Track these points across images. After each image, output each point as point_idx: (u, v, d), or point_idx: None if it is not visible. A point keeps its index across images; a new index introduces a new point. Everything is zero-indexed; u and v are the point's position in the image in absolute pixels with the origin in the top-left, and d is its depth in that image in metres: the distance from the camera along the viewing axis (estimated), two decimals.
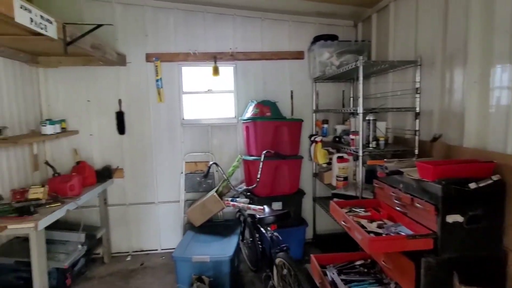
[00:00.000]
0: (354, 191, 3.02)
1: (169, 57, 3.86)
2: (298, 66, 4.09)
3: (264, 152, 3.33)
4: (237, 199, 3.27)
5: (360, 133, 2.65)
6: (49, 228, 2.83)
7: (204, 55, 3.90)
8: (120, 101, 3.84)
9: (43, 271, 2.52)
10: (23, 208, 2.51)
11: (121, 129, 3.86)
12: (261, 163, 3.30)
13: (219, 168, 3.39)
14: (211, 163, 3.39)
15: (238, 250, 3.24)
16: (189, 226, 3.65)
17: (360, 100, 2.65)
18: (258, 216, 2.76)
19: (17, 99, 3.28)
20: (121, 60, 3.68)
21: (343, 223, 2.18)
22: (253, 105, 3.73)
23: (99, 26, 2.68)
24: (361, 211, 2.36)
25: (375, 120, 2.77)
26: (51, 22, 2.13)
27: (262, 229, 2.92)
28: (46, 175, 3.67)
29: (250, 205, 3.03)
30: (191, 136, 4.02)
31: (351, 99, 4.13)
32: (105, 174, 3.70)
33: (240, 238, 3.43)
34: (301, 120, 3.80)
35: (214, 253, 2.93)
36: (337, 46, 3.61)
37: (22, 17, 1.78)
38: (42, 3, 2.98)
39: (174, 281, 3.25)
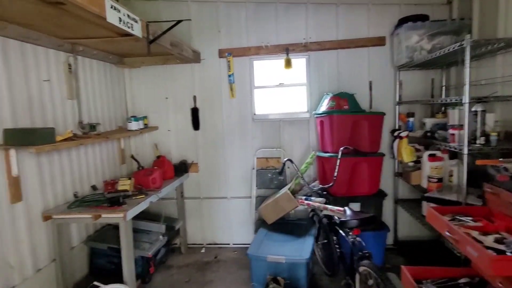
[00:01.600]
0: (452, 195, 2.58)
1: (241, 52, 3.82)
2: (378, 53, 3.69)
3: (341, 148, 3.07)
4: (311, 197, 3.09)
5: (466, 127, 2.23)
6: (134, 217, 3.03)
7: (276, 48, 3.77)
8: (194, 98, 3.95)
9: (131, 258, 2.69)
10: (114, 198, 2.70)
11: (195, 124, 3.97)
12: (338, 160, 3.05)
13: (293, 165, 3.24)
14: (285, 159, 3.26)
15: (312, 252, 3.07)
16: (260, 223, 3.59)
17: (466, 88, 2.22)
18: (338, 218, 2.54)
19: (107, 98, 3.58)
20: (196, 57, 3.76)
21: (448, 233, 1.84)
22: (329, 98, 3.48)
23: (178, 22, 2.74)
24: (468, 220, 1.98)
25: (484, 112, 2.30)
26: (136, 21, 2.20)
27: (341, 231, 2.69)
28: (131, 168, 3.97)
29: (327, 205, 2.81)
30: (262, 131, 3.94)
31: (443, 88, 3.59)
32: (182, 168, 3.85)
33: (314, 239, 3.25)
34: (383, 114, 3.42)
35: (289, 254, 2.80)
36: (428, 27, 3.14)
37: (112, 17, 1.85)
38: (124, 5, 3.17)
39: (247, 277, 3.22)
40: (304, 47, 3.74)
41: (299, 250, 2.89)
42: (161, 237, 3.23)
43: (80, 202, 2.73)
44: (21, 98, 2.41)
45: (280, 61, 3.79)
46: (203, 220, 4.11)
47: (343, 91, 3.55)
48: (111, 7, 1.85)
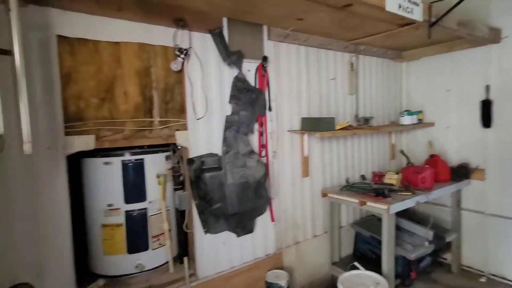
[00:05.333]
0: None
1: None
2: None
3: None
4: None
5: None
6: (398, 214, 2.92)
7: None
8: (487, 88, 3.17)
9: (391, 253, 2.63)
10: (379, 190, 2.75)
11: (486, 121, 3.19)
12: None
13: None
14: None
15: None
16: None
17: None
18: None
19: (382, 93, 3.68)
20: (493, 36, 2.99)
21: None
22: None
23: None
24: None
25: None
26: (417, 4, 2.08)
27: None
28: (400, 164, 3.86)
29: None
30: None
31: None
32: (461, 172, 3.24)
33: None
34: None
35: None
36: None
37: (391, 4, 1.86)
38: None
39: None
40: None
41: None
42: (426, 243, 2.90)
43: (350, 187, 3.02)
44: (314, 94, 3.00)
45: None
46: (487, 242, 3.25)
47: None
48: None
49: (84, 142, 1.85)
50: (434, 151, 3.54)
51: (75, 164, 2.22)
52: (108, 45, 1.94)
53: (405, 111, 3.45)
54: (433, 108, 3.63)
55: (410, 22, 2.38)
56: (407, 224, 3.17)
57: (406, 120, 3.39)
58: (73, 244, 1.86)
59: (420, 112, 3.57)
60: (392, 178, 2.93)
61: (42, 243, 1.72)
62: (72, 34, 1.81)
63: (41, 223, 1.71)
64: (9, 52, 1.09)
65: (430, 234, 2.97)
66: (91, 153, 2.08)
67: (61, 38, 1.78)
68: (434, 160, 3.31)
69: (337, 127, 2.80)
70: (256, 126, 2.56)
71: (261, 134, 2.59)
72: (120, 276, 2.15)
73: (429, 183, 2.96)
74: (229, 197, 2.32)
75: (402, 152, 3.53)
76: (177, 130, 2.24)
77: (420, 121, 3.55)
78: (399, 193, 2.79)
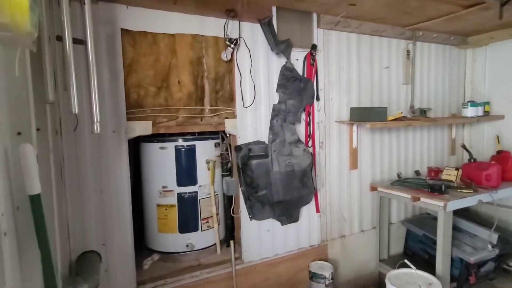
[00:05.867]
0: None
1: None
2: None
3: None
4: None
5: None
6: (457, 214, 2.71)
7: None
8: None
9: (447, 254, 2.45)
10: (435, 185, 2.57)
11: None
12: None
13: None
14: None
15: None
16: None
17: None
18: None
19: (442, 83, 3.40)
20: None
21: None
22: None
23: None
24: None
25: None
26: None
27: None
28: (461, 160, 3.55)
29: None
30: None
31: None
32: None
33: None
34: None
35: None
36: None
37: None
38: None
39: None
40: None
41: None
42: (489, 246, 2.64)
43: (402, 182, 2.86)
44: (365, 83, 2.88)
45: None
46: None
47: None
48: None
49: (143, 127, 2.02)
50: (503, 147, 3.19)
51: (136, 150, 2.43)
52: (164, 37, 2.07)
53: (469, 101, 3.15)
54: (502, 100, 3.26)
55: (477, 2, 2.17)
56: (467, 225, 2.92)
57: (470, 112, 3.09)
58: (133, 220, 2.04)
59: (486, 103, 3.23)
60: (450, 174, 2.71)
61: (107, 216, 1.92)
62: (134, 28, 1.97)
63: (106, 198, 1.91)
64: (83, 42, 1.23)
65: (494, 237, 2.70)
66: (148, 139, 2.26)
67: (124, 31, 1.95)
68: (502, 156, 2.98)
69: (390, 118, 2.66)
70: (303, 116, 2.54)
71: (308, 124, 2.57)
72: (173, 253, 2.32)
73: (495, 181, 2.68)
74: (274, 184, 2.35)
75: (463, 146, 3.23)
76: (226, 118, 2.32)
77: (486, 113, 3.21)
78: (458, 190, 2.57)
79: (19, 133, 0.91)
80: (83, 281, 1.57)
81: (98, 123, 1.22)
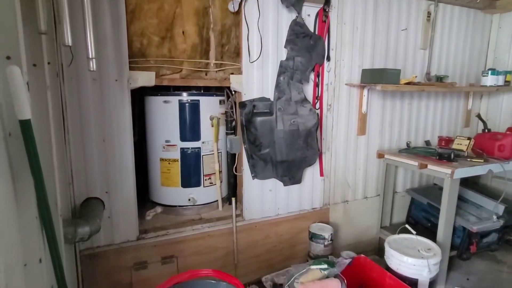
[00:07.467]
0: None
1: None
2: None
3: None
4: None
5: None
6: (464, 184, 2.64)
7: None
8: None
9: (450, 221, 2.43)
10: (444, 153, 2.49)
11: None
12: None
13: None
14: None
15: None
16: None
17: None
18: None
19: (463, 49, 3.21)
20: None
21: None
22: None
23: None
24: None
25: None
26: None
27: None
28: (475, 133, 3.42)
29: None
30: None
31: None
32: None
33: None
34: None
35: None
36: None
37: None
38: None
39: None
40: None
41: None
42: (495, 217, 2.60)
43: (410, 149, 2.79)
44: (379, 45, 2.73)
45: None
46: None
47: None
48: None
49: (146, 78, 1.98)
50: None
51: (141, 105, 2.42)
52: None
53: (489, 69, 2.97)
54: None
55: None
56: (474, 196, 2.86)
57: (489, 80, 2.92)
58: (138, 175, 2.06)
59: (509, 72, 3.04)
60: (462, 144, 2.63)
61: (110, 164, 1.94)
62: None
63: (109, 147, 1.92)
64: None
65: (500, 208, 2.65)
66: (153, 92, 2.22)
67: None
68: None
69: (403, 81, 2.54)
70: (312, 76, 2.45)
71: (316, 85, 2.49)
72: (175, 206, 2.36)
73: (508, 153, 2.58)
74: (278, 143, 2.31)
75: (478, 116, 3.08)
76: (232, 74, 2.25)
77: (507, 83, 3.03)
78: (468, 159, 2.50)
79: (8, 57, 0.88)
80: (84, 223, 1.61)
81: (94, 60, 1.18)
